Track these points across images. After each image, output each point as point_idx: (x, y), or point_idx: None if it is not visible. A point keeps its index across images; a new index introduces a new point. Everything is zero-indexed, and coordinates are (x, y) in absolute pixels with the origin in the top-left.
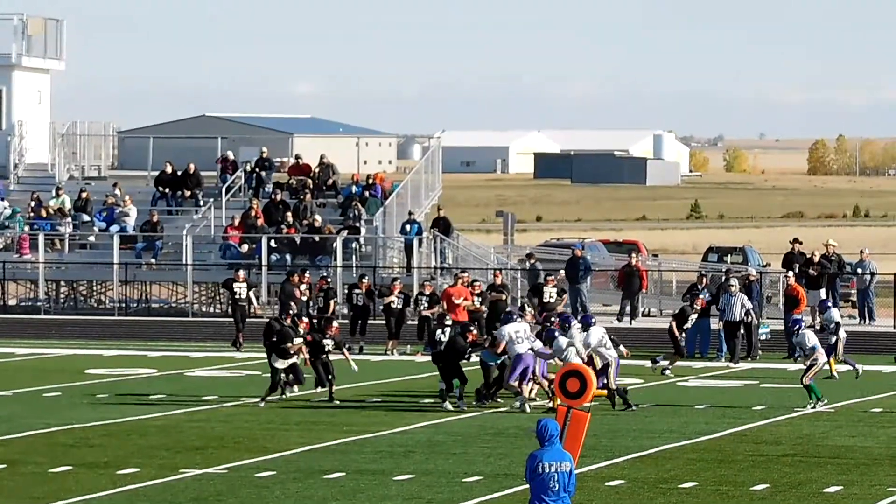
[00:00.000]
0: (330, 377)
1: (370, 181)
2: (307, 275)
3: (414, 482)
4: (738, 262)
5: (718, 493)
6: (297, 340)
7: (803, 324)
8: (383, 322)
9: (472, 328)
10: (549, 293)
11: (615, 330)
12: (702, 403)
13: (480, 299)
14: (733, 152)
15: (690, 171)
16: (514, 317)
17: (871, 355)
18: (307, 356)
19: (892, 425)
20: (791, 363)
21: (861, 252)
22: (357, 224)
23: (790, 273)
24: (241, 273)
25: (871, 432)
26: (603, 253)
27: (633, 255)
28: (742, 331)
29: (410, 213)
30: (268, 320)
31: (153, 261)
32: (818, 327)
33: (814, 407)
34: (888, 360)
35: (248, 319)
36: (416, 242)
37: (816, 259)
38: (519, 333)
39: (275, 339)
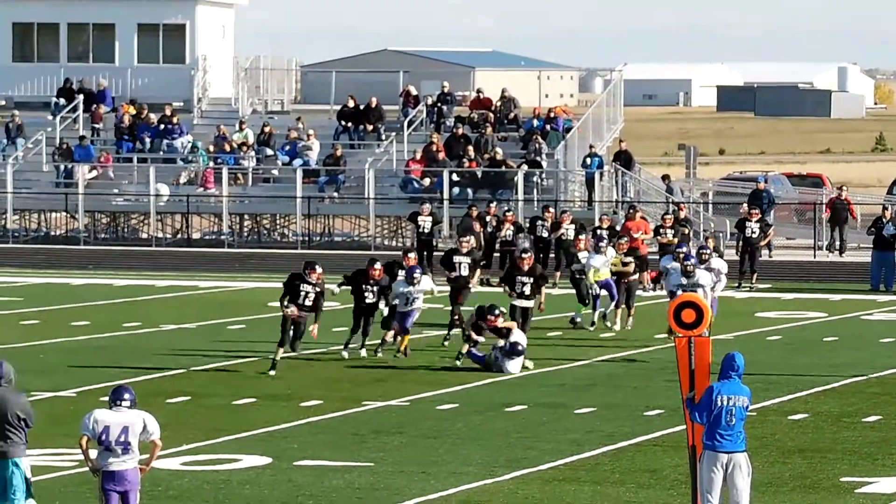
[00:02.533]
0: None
1: (551, 115)
2: (492, 206)
3: (595, 415)
4: None
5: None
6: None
7: None
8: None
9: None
10: (752, 228)
11: (825, 263)
12: (886, 337)
13: (673, 231)
14: None
15: (875, 104)
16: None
17: None
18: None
19: None
20: None
21: None
22: (538, 158)
23: None
24: (427, 206)
25: None
26: (787, 186)
27: (844, 188)
28: None
29: (591, 147)
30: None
31: (336, 195)
32: None
33: None
34: None
35: (433, 253)
36: (597, 176)
37: None
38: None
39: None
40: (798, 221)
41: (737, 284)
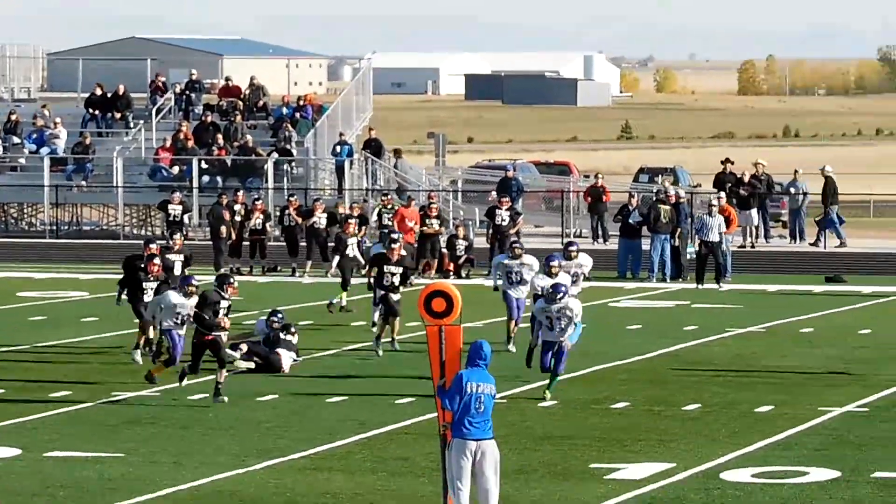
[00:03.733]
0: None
1: (301, 103)
2: (240, 194)
3: (347, 404)
4: (669, 182)
5: (651, 413)
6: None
7: None
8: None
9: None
10: (501, 216)
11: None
12: (633, 324)
13: (439, 221)
14: (664, 73)
15: (621, 92)
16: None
17: (802, 275)
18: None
19: (822, 345)
20: (724, 283)
21: (795, 172)
22: (288, 146)
23: (721, 194)
24: (177, 195)
25: (802, 352)
26: (534, 174)
27: (600, 176)
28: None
29: (341, 135)
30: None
31: (84, 183)
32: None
33: None
34: (819, 279)
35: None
36: (347, 164)
37: (747, 179)
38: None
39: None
40: (546, 209)
41: (487, 272)
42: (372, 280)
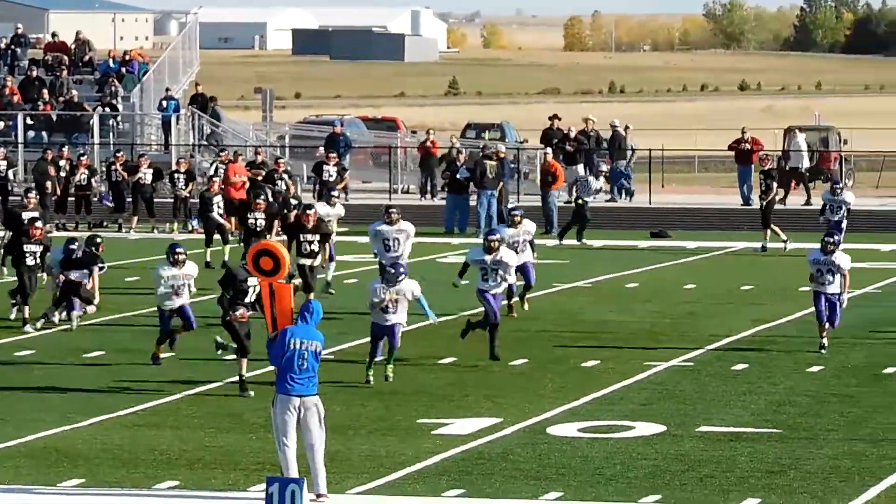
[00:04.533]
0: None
1: (127, 58)
2: (66, 149)
3: (174, 361)
4: (496, 138)
5: (477, 369)
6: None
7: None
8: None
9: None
10: (329, 172)
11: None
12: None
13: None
14: (490, 28)
15: (448, 48)
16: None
17: (627, 230)
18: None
19: (647, 300)
20: (550, 239)
21: (625, 128)
22: (114, 101)
23: (548, 149)
24: (2, 150)
25: (628, 307)
26: (362, 130)
27: (431, 132)
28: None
29: (168, 90)
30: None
31: None
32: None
33: None
34: (644, 234)
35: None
36: (173, 119)
37: (573, 135)
38: None
39: None
40: (374, 165)
41: None
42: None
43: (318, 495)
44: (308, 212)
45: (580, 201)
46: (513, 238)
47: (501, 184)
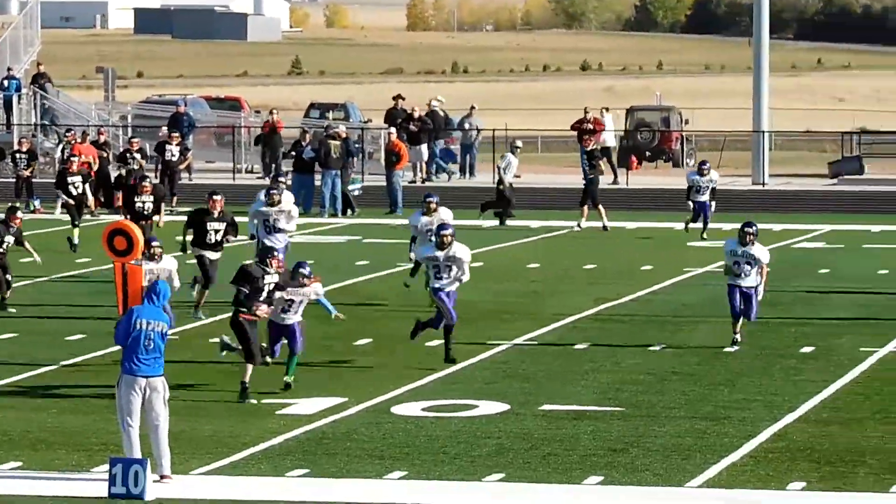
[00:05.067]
0: None
1: None
2: None
3: (13, 341)
4: (339, 118)
5: (322, 348)
6: None
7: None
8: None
9: None
10: (171, 151)
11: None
12: (306, 259)
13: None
14: (333, 8)
15: (291, 27)
16: None
17: (473, 210)
18: None
19: (492, 279)
20: (393, 218)
21: (471, 108)
22: None
23: (392, 129)
24: None
25: (472, 286)
26: (205, 109)
27: (275, 112)
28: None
29: (9, 70)
30: None
31: None
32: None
33: None
34: (488, 214)
35: None
36: (15, 99)
37: (417, 115)
38: None
39: None
40: (217, 145)
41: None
42: (188, 241)
43: (162, 476)
44: (214, 197)
45: (500, 186)
46: (426, 226)
47: (345, 164)
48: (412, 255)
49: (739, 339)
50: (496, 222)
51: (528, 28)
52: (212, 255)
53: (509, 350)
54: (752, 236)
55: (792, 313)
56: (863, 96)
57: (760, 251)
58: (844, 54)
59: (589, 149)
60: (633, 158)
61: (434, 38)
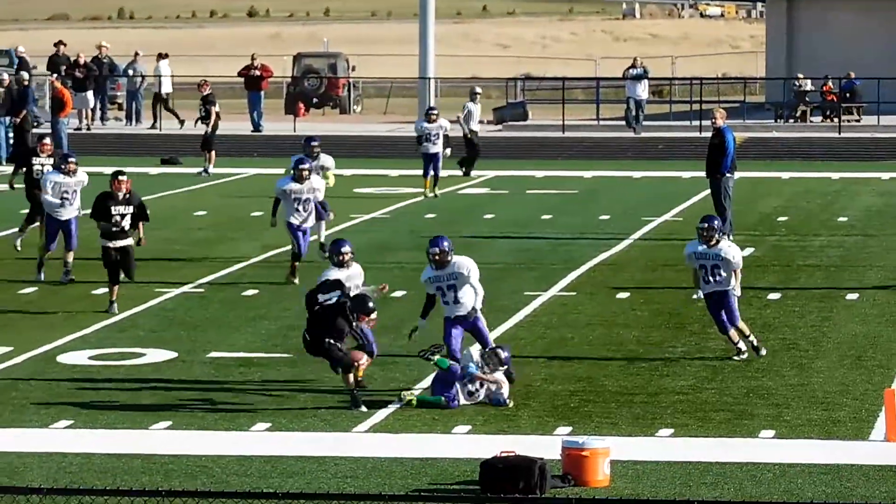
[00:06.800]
0: None
1: None
2: None
3: None
4: (4, 65)
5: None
6: None
7: None
8: None
9: None
10: None
11: None
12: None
13: None
14: None
15: None
16: None
17: (139, 157)
18: None
19: (158, 227)
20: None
21: (135, 54)
22: None
23: (54, 76)
24: None
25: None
26: None
27: None
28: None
29: None
30: None
31: None
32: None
33: None
34: (154, 161)
35: None
36: None
37: (83, 62)
38: None
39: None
40: None
41: None
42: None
43: None
44: (119, 178)
45: (469, 135)
46: (296, 194)
47: (25, 112)
48: (274, 220)
49: (744, 349)
50: (161, 168)
51: None
52: (118, 242)
53: (176, 297)
54: (712, 231)
55: None
56: (528, 43)
57: (732, 251)
58: (509, 1)
59: (205, 94)
60: (301, 105)
61: None
